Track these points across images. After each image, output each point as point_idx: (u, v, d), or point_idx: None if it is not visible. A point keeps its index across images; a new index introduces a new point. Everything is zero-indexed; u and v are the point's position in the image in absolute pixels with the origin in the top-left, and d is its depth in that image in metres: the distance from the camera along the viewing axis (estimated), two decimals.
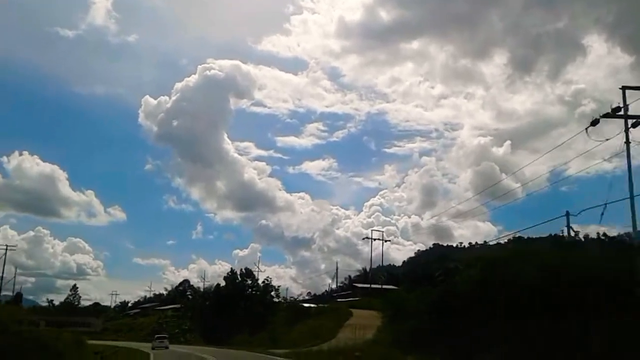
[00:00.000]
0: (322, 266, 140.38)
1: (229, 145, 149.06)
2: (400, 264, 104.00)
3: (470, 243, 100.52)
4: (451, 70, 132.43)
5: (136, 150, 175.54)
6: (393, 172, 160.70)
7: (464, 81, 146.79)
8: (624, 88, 21.27)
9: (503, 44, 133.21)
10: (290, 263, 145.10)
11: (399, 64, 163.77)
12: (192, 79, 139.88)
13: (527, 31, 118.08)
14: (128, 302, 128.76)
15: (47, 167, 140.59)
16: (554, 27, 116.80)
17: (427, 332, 26.64)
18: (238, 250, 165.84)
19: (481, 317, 21.48)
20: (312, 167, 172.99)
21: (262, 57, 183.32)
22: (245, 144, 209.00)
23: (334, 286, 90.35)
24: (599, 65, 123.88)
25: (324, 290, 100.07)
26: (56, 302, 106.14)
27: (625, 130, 20.60)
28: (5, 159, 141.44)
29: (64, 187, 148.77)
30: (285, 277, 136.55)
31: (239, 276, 68.25)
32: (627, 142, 20.57)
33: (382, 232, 68.84)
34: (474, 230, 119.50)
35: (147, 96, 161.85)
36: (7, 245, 68.55)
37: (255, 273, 70.87)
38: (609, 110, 20.91)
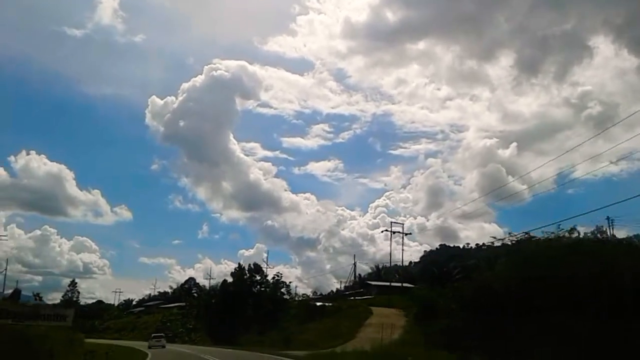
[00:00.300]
0: (328, 266, 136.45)
1: (235, 146, 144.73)
2: (406, 264, 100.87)
3: (477, 244, 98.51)
4: (457, 72, 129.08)
5: (143, 150, 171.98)
6: (399, 174, 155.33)
7: (470, 83, 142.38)
8: None
9: (509, 45, 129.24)
10: (295, 263, 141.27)
11: (405, 65, 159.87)
12: (199, 79, 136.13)
13: (534, 32, 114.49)
14: (132, 300, 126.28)
15: (54, 167, 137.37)
16: (561, 28, 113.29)
17: (461, 330, 24.96)
18: (244, 250, 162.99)
19: (522, 314, 19.99)
20: (318, 168, 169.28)
21: (268, 57, 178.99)
22: (252, 144, 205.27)
23: (346, 284, 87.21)
24: (605, 67, 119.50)
25: (329, 290, 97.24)
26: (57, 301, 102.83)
27: None
28: (12, 158, 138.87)
29: (71, 187, 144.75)
30: (291, 277, 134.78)
31: (247, 272, 64.01)
32: None
33: (402, 224, 64.13)
34: (479, 232, 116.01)
35: (154, 96, 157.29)
36: None
37: (264, 269, 66.95)
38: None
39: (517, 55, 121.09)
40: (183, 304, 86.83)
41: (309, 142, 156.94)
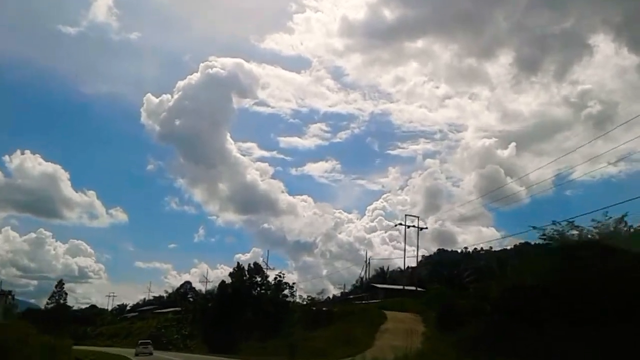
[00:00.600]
0: (324, 272, 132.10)
1: (231, 146, 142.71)
2: (403, 267, 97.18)
3: (475, 248, 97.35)
4: (456, 70, 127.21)
5: (138, 150, 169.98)
6: (397, 175, 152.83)
7: (468, 81, 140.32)
8: None
9: (509, 44, 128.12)
10: (292, 268, 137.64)
11: (403, 64, 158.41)
12: (195, 77, 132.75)
13: (533, 30, 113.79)
14: (127, 305, 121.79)
15: (49, 167, 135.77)
16: (560, 27, 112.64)
17: (492, 336, 21.81)
18: (240, 255, 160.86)
19: (561, 317, 17.68)
20: (315, 169, 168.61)
21: (265, 55, 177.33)
22: (248, 144, 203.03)
23: (356, 283, 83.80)
24: (605, 66, 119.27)
25: (326, 297, 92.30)
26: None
27: None
28: (7, 157, 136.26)
29: (66, 188, 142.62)
30: (288, 282, 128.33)
31: (246, 272, 59.34)
32: None
33: (417, 217, 59.41)
34: (477, 236, 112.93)
35: (149, 94, 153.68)
36: None
37: (265, 270, 62.28)
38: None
39: (516, 53, 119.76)
40: (178, 308, 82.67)
41: (306, 142, 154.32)
